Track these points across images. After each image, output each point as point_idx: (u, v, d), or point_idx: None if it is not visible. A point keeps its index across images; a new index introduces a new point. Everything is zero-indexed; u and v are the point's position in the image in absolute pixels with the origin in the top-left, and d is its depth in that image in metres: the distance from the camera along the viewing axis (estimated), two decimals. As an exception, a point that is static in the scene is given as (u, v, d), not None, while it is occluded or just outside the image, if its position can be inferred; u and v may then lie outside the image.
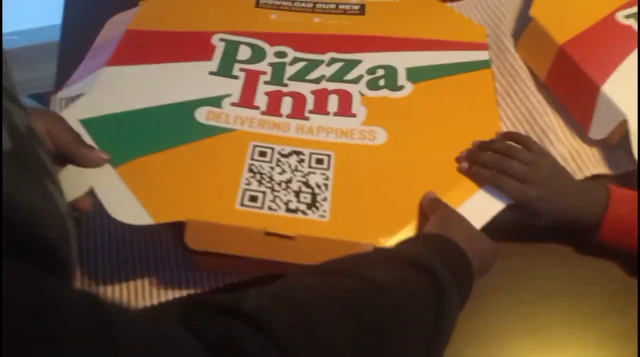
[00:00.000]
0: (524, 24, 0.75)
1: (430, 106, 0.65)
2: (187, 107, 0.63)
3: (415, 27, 0.73)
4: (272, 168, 0.58)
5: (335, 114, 0.63)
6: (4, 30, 1.01)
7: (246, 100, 0.64)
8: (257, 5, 0.77)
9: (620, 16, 0.71)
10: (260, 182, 0.57)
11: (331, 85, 0.66)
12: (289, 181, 0.57)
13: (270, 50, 0.70)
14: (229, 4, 0.76)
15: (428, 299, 0.42)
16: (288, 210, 0.55)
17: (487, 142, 0.59)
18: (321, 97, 0.65)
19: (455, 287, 0.44)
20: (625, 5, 0.72)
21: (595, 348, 0.56)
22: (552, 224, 0.58)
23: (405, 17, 0.75)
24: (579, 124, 0.68)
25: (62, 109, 0.76)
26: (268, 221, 0.54)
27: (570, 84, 0.69)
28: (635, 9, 0.72)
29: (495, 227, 0.55)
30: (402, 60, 0.69)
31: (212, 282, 0.61)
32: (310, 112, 0.63)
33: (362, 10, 0.76)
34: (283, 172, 0.58)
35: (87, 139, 0.58)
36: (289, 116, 0.63)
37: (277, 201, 0.56)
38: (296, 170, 0.58)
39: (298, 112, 0.63)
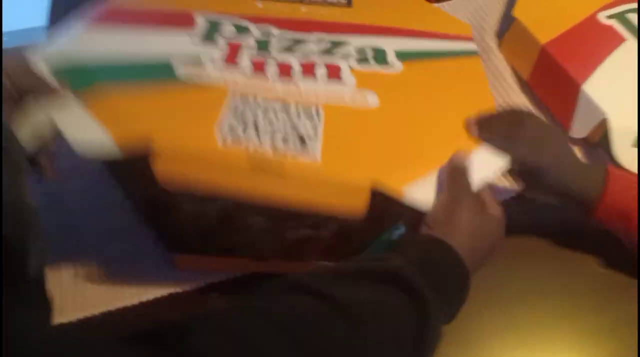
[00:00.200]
0: (507, 24, 0.75)
1: (422, 81, 0.62)
2: (165, 60, 0.59)
3: (402, 20, 0.72)
4: (256, 115, 0.54)
5: (324, 81, 0.60)
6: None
7: (230, 61, 0.61)
8: None
9: (602, 16, 0.72)
10: (245, 128, 0.53)
11: (319, 59, 0.63)
12: (276, 129, 0.53)
13: (254, 28, 0.67)
14: None
15: (406, 321, 0.39)
16: (276, 150, 0.51)
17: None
18: (309, 67, 0.62)
19: (442, 305, 0.42)
20: (607, 5, 0.73)
21: (576, 345, 0.56)
22: (551, 194, 0.56)
23: (392, 11, 0.75)
24: (561, 123, 0.69)
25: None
26: (254, 159, 0.50)
27: (552, 84, 0.69)
28: (616, 10, 0.72)
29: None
30: (391, 44, 0.67)
31: (193, 282, 0.60)
32: (298, 77, 0.60)
33: (349, 3, 0.76)
34: (269, 120, 0.54)
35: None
36: (275, 79, 0.59)
37: (264, 143, 0.52)
38: (284, 119, 0.55)
39: (285, 75, 0.60)
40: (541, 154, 0.53)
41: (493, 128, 0.54)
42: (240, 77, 0.59)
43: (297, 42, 0.66)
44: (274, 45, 0.65)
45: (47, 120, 0.50)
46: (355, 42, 0.67)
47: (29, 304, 0.34)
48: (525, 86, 0.72)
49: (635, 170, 0.61)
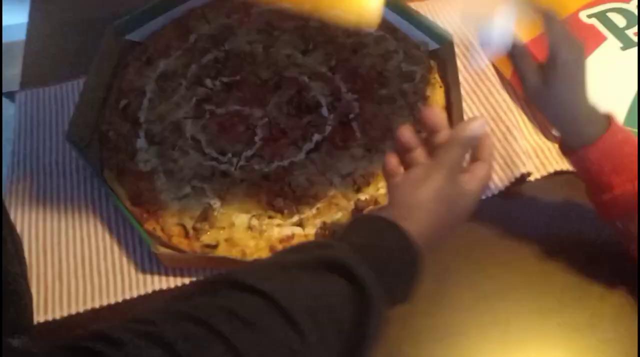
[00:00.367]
0: (490, 22, 0.75)
1: None
2: None
3: None
4: None
5: None
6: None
7: None
8: None
9: (583, 15, 0.72)
10: None
11: None
12: None
13: None
14: None
15: (346, 310, 0.40)
16: None
17: None
18: None
19: (387, 291, 0.42)
20: (588, 4, 0.73)
21: (554, 341, 0.57)
22: (555, 115, 0.55)
23: None
24: (543, 121, 0.69)
25: (27, 107, 0.75)
26: None
27: (533, 82, 0.70)
28: (597, 9, 0.73)
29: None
30: None
31: (178, 279, 0.61)
32: None
33: None
34: None
35: None
36: None
37: None
38: None
39: None
40: (566, 79, 0.52)
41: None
42: None
43: None
44: None
45: None
46: None
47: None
48: (508, 85, 0.72)
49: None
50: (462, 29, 0.78)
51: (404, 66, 0.74)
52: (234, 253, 0.60)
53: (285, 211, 0.63)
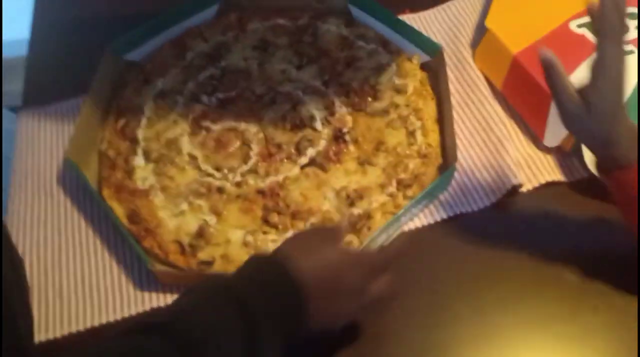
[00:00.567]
0: (481, 34, 0.76)
1: None
2: None
3: None
4: None
5: None
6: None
7: None
8: None
9: (573, 25, 0.73)
10: None
11: None
12: None
13: None
14: None
15: (236, 344, 0.43)
16: None
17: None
18: None
19: (275, 327, 0.45)
20: (578, 14, 0.73)
21: (549, 352, 0.58)
22: (594, 135, 0.54)
23: None
24: (534, 132, 0.70)
25: (28, 125, 0.77)
26: None
27: (524, 93, 0.70)
28: (588, 19, 0.73)
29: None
30: None
31: (176, 296, 0.62)
32: None
33: None
34: None
35: None
36: None
37: None
38: None
39: None
40: (607, 97, 0.51)
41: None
42: None
43: None
44: None
45: None
46: None
47: None
48: (499, 96, 0.73)
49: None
50: (454, 41, 0.79)
51: (397, 79, 0.75)
52: (230, 269, 0.60)
53: (280, 227, 0.64)
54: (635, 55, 0.69)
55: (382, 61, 0.77)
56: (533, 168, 0.68)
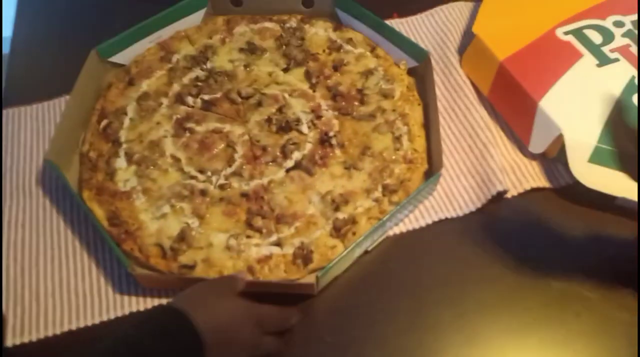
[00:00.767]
0: (468, 40, 0.76)
1: None
2: None
3: None
4: None
5: None
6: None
7: None
8: None
9: (560, 32, 0.73)
10: None
11: None
12: None
13: None
14: None
15: None
16: None
17: None
18: None
19: None
20: (565, 21, 0.74)
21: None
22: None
23: None
24: (520, 138, 0.70)
25: (8, 125, 0.75)
26: None
27: (510, 99, 0.70)
28: (574, 26, 0.74)
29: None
30: None
31: (156, 300, 0.61)
32: None
33: None
34: None
35: None
36: None
37: None
38: None
39: None
40: None
41: None
42: None
43: None
44: None
45: None
46: None
47: None
48: (486, 101, 0.73)
49: (593, 186, 0.62)
50: (441, 46, 0.79)
51: (384, 84, 0.75)
52: (212, 274, 0.60)
53: (264, 230, 0.63)
54: (622, 62, 0.69)
55: (370, 66, 0.77)
56: (518, 174, 0.68)
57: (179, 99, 0.75)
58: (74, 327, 0.59)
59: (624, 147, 0.63)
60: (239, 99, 0.75)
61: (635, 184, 0.62)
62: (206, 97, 0.75)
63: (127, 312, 0.60)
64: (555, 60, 0.71)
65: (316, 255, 0.61)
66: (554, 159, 0.68)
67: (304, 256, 0.61)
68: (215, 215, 0.65)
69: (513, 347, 0.58)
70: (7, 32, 0.88)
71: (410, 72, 0.76)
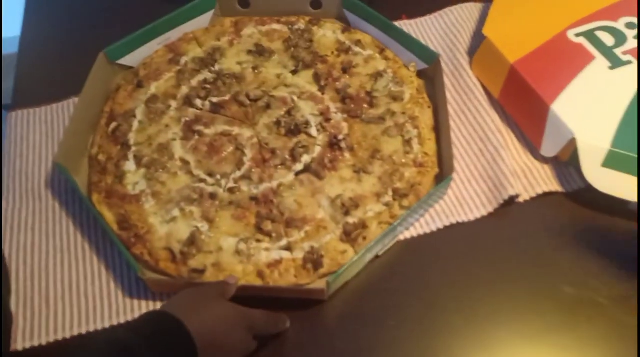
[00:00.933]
0: (478, 42, 0.76)
1: None
2: None
3: None
4: None
5: None
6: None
7: None
8: None
9: (571, 34, 0.72)
10: None
11: None
12: None
13: None
14: None
15: None
16: None
17: None
18: None
19: None
20: (577, 23, 0.73)
21: (547, 363, 0.57)
22: None
23: None
24: (531, 141, 0.69)
25: (18, 127, 0.75)
26: None
27: (522, 102, 0.70)
28: (586, 27, 0.73)
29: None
30: None
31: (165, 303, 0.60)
32: None
33: None
34: None
35: None
36: None
37: None
38: None
39: None
40: None
41: None
42: None
43: None
44: None
45: None
46: None
47: None
48: (497, 104, 0.72)
49: (606, 191, 0.62)
50: (450, 48, 0.78)
51: (393, 86, 0.74)
52: (221, 279, 0.60)
53: (274, 235, 0.63)
54: (634, 65, 0.68)
55: (379, 68, 0.76)
56: (530, 178, 0.67)
57: (188, 102, 0.74)
58: (83, 331, 0.59)
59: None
60: (248, 102, 0.74)
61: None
62: (215, 99, 0.75)
63: (136, 315, 0.60)
64: (567, 63, 0.70)
65: (327, 260, 0.61)
66: (567, 162, 0.67)
67: (314, 260, 0.61)
68: (225, 219, 0.64)
69: (525, 353, 0.57)
70: (16, 31, 0.88)
71: (420, 74, 0.76)
